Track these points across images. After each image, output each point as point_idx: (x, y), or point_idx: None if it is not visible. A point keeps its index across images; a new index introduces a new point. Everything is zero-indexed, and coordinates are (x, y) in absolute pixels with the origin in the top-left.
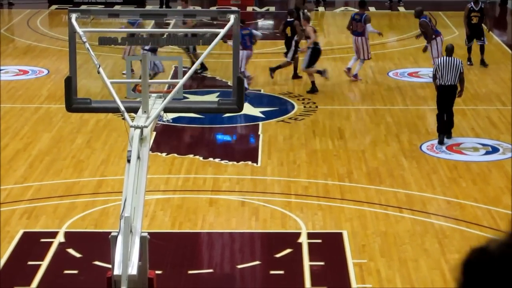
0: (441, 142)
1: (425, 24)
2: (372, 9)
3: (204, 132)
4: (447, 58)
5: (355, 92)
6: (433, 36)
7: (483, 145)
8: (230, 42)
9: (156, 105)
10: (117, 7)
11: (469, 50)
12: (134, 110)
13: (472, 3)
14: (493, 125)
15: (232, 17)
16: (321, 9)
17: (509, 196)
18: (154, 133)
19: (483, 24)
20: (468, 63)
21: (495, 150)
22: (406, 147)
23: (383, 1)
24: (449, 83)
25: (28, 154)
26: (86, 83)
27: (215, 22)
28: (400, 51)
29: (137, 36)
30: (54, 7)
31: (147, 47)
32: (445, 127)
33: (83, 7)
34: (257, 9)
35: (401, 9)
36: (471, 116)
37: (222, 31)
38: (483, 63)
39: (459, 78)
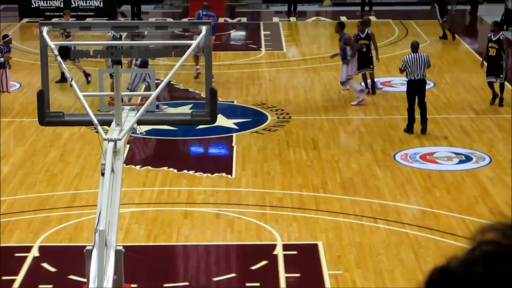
0: (410, 132)
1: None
2: (343, 18)
3: (177, 144)
4: (415, 54)
5: (328, 102)
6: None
7: (457, 154)
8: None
9: (129, 118)
10: (88, 20)
11: None
12: (108, 123)
13: None
14: (466, 133)
15: (204, 28)
16: (292, 19)
17: (482, 205)
18: (128, 146)
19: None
20: None
21: (468, 159)
22: (379, 157)
23: (355, 11)
24: (419, 77)
25: (1, 168)
26: (58, 96)
27: (186, 34)
28: None
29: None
30: (25, 20)
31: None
32: (414, 120)
33: (55, 20)
34: (229, 20)
35: (372, 18)
36: (444, 125)
37: (194, 43)
38: None
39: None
